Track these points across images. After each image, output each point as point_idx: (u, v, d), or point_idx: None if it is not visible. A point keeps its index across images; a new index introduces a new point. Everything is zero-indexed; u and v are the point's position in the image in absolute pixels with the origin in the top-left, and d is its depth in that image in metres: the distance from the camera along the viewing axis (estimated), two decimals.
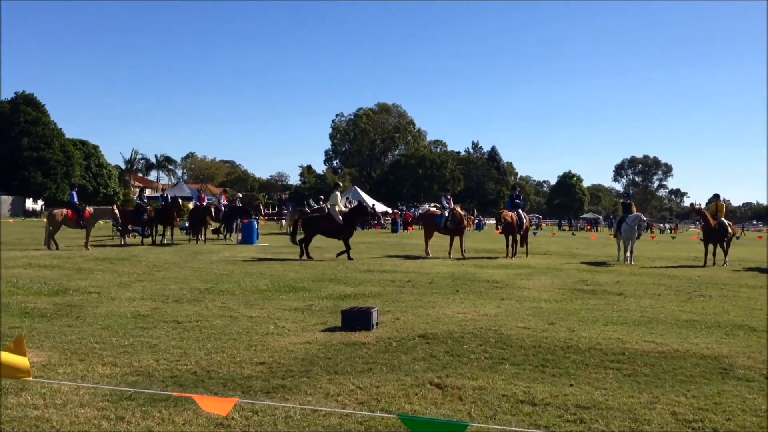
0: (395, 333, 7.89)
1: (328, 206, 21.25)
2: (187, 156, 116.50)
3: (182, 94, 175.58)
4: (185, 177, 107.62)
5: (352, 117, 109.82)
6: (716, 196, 22.29)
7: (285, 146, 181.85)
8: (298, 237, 20.02)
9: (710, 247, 20.70)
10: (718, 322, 9.21)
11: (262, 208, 37.01)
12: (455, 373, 6.02)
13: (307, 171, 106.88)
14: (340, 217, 19.74)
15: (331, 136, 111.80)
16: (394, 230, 44.31)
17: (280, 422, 4.64)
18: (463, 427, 2.82)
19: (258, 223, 28.70)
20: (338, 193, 21.62)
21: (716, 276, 16.54)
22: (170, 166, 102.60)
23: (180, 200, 28.54)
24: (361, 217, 20.46)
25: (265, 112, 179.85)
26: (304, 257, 18.66)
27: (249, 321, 8.58)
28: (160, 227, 25.69)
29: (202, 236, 26.31)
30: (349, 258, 18.44)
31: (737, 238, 23.19)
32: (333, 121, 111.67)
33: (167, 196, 28.44)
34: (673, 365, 6.51)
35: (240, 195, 35.67)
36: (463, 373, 6.06)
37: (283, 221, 41.75)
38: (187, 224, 28.82)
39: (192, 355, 6.61)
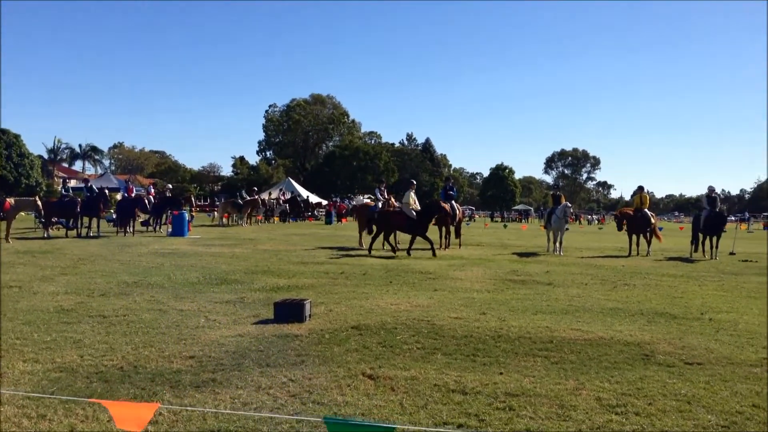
0: (328, 325, 7.87)
1: (401, 203, 20.52)
2: (115, 146, 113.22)
3: (110, 81, 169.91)
4: (113, 168, 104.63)
5: (285, 108, 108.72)
6: (640, 188, 23.11)
7: (217, 137, 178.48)
8: (363, 239, 19.75)
9: (634, 237, 21.42)
10: (641, 310, 9.54)
11: (193, 199, 36.29)
12: (388, 364, 6.05)
13: (240, 162, 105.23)
14: (413, 212, 19.16)
15: (265, 127, 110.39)
16: (328, 222, 44.12)
17: (210, 417, 4.56)
18: (390, 430, 2.81)
19: (190, 215, 28.17)
20: (412, 192, 20.17)
21: (640, 265, 17.10)
22: (96, 157, 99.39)
23: (107, 191, 27.69)
24: (435, 214, 19.37)
25: (196, 102, 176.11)
26: (385, 250, 18.79)
27: (179, 314, 8.41)
28: (85, 219, 24.89)
29: (131, 228, 25.62)
30: (434, 254, 18.07)
31: (660, 229, 23.99)
32: (266, 111, 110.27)
33: (92, 186, 27.49)
34: (599, 352, 6.71)
35: (170, 186, 34.90)
36: (395, 363, 6.09)
37: (215, 213, 41.05)
38: (114, 216, 28.02)
39: (118, 350, 6.43)
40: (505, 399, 5.07)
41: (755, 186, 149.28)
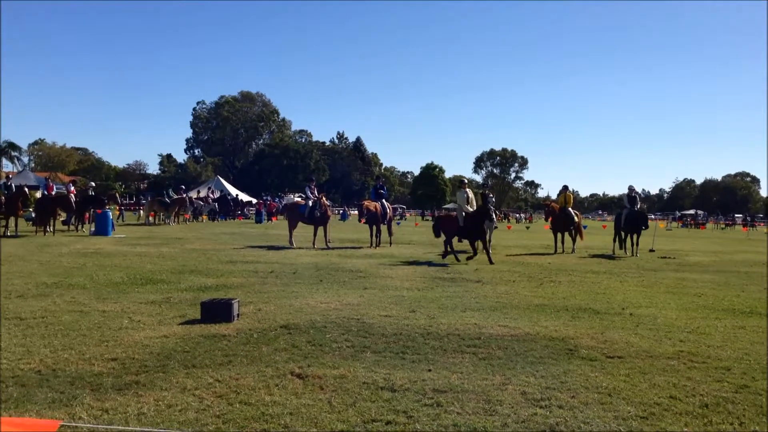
0: (257, 324, 7.77)
1: (456, 207, 18.86)
2: (35, 142, 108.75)
3: (29, 75, 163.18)
4: (32, 165, 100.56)
5: (214, 105, 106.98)
6: (565, 188, 23.74)
7: (143, 134, 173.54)
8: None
9: (559, 235, 22.00)
10: (565, 306, 9.78)
11: (118, 197, 35.25)
12: (317, 363, 6.01)
13: (167, 160, 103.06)
14: (463, 215, 17.69)
15: (193, 125, 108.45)
16: (258, 221, 43.61)
17: (132, 419, 4.43)
18: None
19: (118, 214, 27.34)
20: (466, 192, 18.40)
21: (565, 263, 17.56)
22: (14, 153, 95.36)
23: (26, 189, 26.59)
24: (487, 218, 17.12)
25: (121, 97, 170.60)
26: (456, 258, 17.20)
27: (101, 316, 8.15)
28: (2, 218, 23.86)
29: (51, 227, 24.69)
30: (491, 262, 16.60)
31: (584, 227, 24.68)
32: (194, 108, 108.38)
33: (11, 184, 26.38)
34: (525, 347, 6.84)
35: (93, 184, 33.76)
36: (324, 362, 6.06)
37: (141, 211, 40.02)
38: (33, 214, 26.96)
39: (36, 353, 6.18)
40: (433, 395, 5.10)
41: (674, 185, 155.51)
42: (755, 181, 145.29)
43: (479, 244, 17.34)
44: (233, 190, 64.61)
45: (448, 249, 17.66)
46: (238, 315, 8.07)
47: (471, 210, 17.75)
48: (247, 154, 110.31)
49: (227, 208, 47.51)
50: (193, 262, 14.90)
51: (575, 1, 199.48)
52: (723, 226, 75.78)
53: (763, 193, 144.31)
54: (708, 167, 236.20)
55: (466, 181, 19.34)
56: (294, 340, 6.93)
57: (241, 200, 56.93)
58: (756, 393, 5.34)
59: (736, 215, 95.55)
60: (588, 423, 4.58)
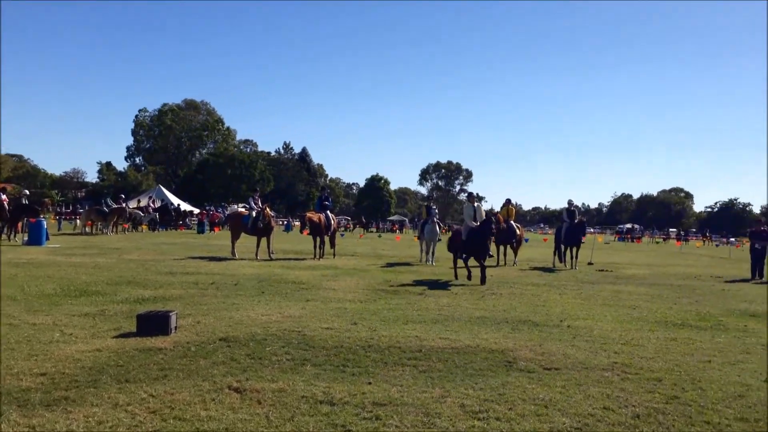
0: (195, 337, 7.63)
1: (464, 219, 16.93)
2: None
3: None
4: None
5: (157, 113, 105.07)
6: (508, 201, 24.14)
7: (82, 141, 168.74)
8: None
9: (501, 248, 22.31)
10: (506, 318, 9.90)
11: (48, 203, 34.15)
12: (255, 376, 5.93)
13: (107, 168, 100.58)
14: (467, 230, 16.09)
15: (134, 132, 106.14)
16: (200, 231, 42.91)
17: None
18: None
19: (56, 221, 26.51)
20: (475, 205, 16.84)
21: (507, 275, 17.79)
22: None
23: None
24: (491, 230, 15.68)
25: (59, 102, 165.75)
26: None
27: (31, 329, 7.87)
28: None
29: None
30: (483, 281, 15.06)
31: (525, 240, 25.09)
32: (136, 116, 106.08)
33: None
34: (465, 360, 6.89)
35: (27, 192, 32.67)
36: (263, 375, 5.98)
37: (78, 221, 38.93)
38: None
39: None
40: (372, 409, 5.09)
41: (612, 200, 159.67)
42: (689, 196, 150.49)
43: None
44: (175, 200, 63.40)
45: (460, 266, 16.25)
46: (175, 328, 7.90)
47: (475, 225, 16.04)
48: (191, 163, 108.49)
49: (168, 218, 46.61)
50: (130, 273, 14.55)
51: (516, 20, 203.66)
52: (658, 240, 78.08)
53: (696, 208, 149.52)
54: (645, 182, 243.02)
55: (475, 194, 18.01)
56: (233, 353, 6.83)
57: (183, 210, 55.93)
58: (685, 404, 5.50)
59: (671, 229, 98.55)
60: None
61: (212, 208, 63.85)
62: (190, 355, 6.73)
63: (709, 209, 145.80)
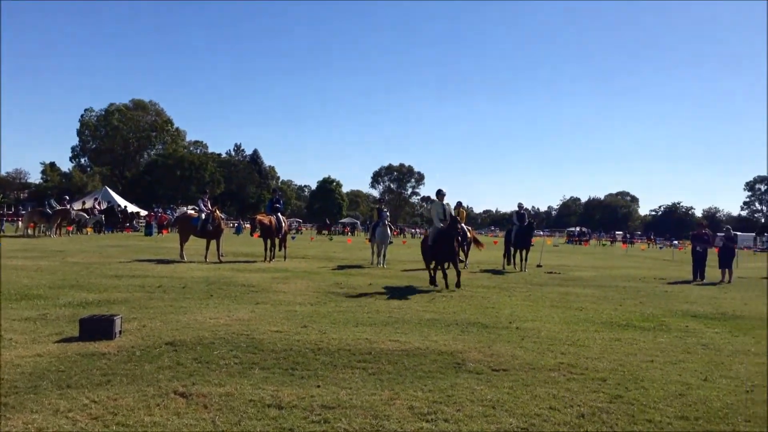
0: (140, 341, 7.47)
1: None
2: None
3: None
4: None
5: (104, 113, 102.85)
6: (459, 204, 24.26)
7: (24, 140, 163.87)
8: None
9: None
10: (455, 321, 9.97)
11: None
12: (202, 381, 5.84)
13: (50, 168, 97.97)
14: (435, 231, 15.34)
15: (79, 132, 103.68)
16: (148, 233, 42.11)
17: None
18: None
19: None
20: (444, 204, 15.69)
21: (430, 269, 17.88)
22: None
23: None
24: (457, 231, 14.92)
25: (1, 101, 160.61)
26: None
27: None
28: None
29: None
30: (457, 285, 14.67)
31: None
32: (81, 116, 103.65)
33: None
34: (414, 362, 6.91)
35: None
36: (210, 380, 5.89)
37: (20, 223, 37.80)
38: None
39: None
40: (320, 412, 5.06)
41: (561, 203, 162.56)
42: (635, 200, 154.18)
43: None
44: (122, 201, 62.17)
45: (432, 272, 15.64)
46: (120, 332, 7.73)
47: (443, 226, 15.14)
48: (138, 164, 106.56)
49: (115, 220, 45.63)
50: (74, 276, 14.18)
51: (462, 19, 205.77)
52: (605, 242, 79.74)
53: (641, 212, 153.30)
54: (592, 186, 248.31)
55: (444, 191, 15.96)
56: (179, 358, 6.71)
57: (131, 212, 54.83)
58: (628, 402, 5.62)
59: (617, 232, 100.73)
60: None
61: (160, 210, 62.73)
62: (135, 359, 6.59)
63: (653, 213, 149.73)
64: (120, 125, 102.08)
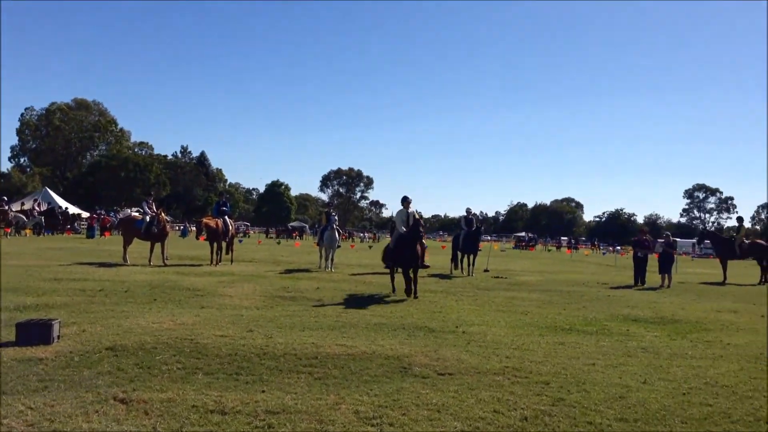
0: (79, 346, 7.28)
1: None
2: None
3: None
4: None
5: (44, 112, 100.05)
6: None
7: None
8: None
9: None
10: (402, 325, 9.99)
11: None
12: (143, 386, 5.72)
13: None
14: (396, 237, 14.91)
15: (19, 132, 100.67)
16: (90, 236, 41.10)
17: None
18: None
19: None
20: (409, 211, 15.23)
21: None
22: None
23: None
24: (419, 235, 14.29)
25: None
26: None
27: None
28: None
29: None
30: (415, 295, 13.99)
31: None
32: (21, 115, 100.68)
33: None
34: (361, 366, 6.90)
35: None
36: (152, 385, 5.77)
37: None
38: None
39: None
40: (265, 417, 5.01)
41: (508, 208, 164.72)
42: (579, 206, 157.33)
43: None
44: (63, 203, 60.45)
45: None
46: (58, 336, 7.52)
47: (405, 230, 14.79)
48: (81, 165, 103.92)
49: (55, 222, 44.39)
50: (11, 279, 13.70)
51: (404, 21, 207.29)
52: (551, 247, 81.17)
53: (586, 218, 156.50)
54: (539, 192, 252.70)
55: (410, 198, 15.46)
56: (120, 363, 6.56)
57: (72, 213, 53.39)
58: (570, 405, 5.71)
59: (562, 238, 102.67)
60: None
61: (103, 211, 61.25)
62: (74, 365, 6.41)
63: (597, 219, 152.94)
64: (62, 125, 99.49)
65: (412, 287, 14.07)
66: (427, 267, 16.02)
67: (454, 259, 23.25)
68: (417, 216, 14.75)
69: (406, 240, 14.39)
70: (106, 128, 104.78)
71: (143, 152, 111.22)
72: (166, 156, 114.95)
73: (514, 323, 10.81)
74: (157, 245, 20.42)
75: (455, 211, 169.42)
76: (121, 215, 48.20)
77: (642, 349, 8.77)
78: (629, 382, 6.69)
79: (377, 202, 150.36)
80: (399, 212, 15.46)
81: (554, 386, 6.37)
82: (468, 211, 24.23)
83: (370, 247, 51.15)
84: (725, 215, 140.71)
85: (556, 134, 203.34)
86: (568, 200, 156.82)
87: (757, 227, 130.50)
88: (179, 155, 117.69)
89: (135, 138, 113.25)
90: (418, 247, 14.28)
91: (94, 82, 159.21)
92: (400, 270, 14.87)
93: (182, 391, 5.59)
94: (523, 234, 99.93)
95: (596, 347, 8.80)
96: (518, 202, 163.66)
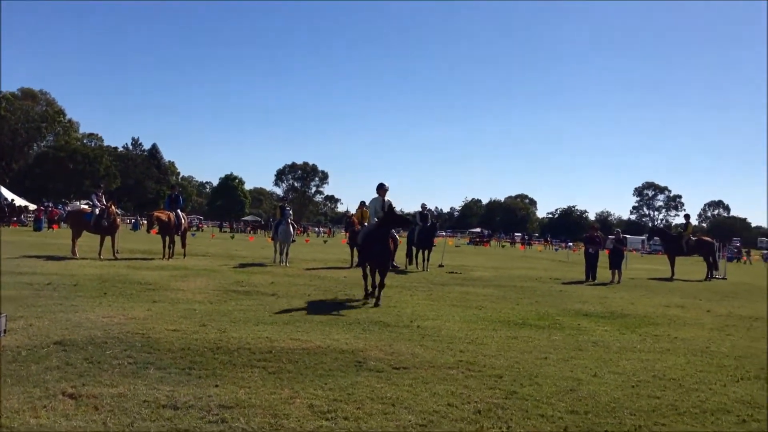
0: (26, 341, 7.09)
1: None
2: None
3: None
4: None
5: None
6: (362, 203, 24.31)
7: None
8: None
9: (356, 250, 22.52)
10: (357, 319, 10.00)
11: None
12: (93, 381, 5.61)
13: None
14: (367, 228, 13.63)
15: None
16: (37, 228, 40.10)
17: None
18: None
19: None
20: (384, 199, 13.92)
21: (360, 277, 17.87)
22: None
23: None
24: (389, 231, 12.85)
25: None
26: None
27: None
28: None
29: None
30: (376, 303, 12.12)
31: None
32: None
33: None
34: (315, 360, 6.88)
35: None
36: (102, 380, 5.66)
37: None
38: None
39: None
40: (218, 411, 4.96)
41: (463, 204, 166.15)
42: (533, 203, 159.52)
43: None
44: (9, 195, 58.80)
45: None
46: (4, 331, 7.31)
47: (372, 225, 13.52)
48: (27, 156, 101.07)
49: (0, 214, 43.15)
50: None
51: (363, 17, 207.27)
52: (504, 243, 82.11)
53: (539, 214, 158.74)
54: (493, 188, 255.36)
55: (387, 186, 14.07)
56: (69, 358, 6.41)
57: (18, 206, 52.00)
58: (523, 398, 5.80)
59: (516, 234, 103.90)
60: None
61: (51, 204, 59.78)
62: (21, 359, 6.25)
63: (550, 215, 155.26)
64: (7, 115, 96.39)
65: (377, 292, 12.40)
66: (396, 267, 14.82)
67: (409, 254, 23.35)
68: (357, 212, 13.68)
69: (375, 236, 12.74)
70: (54, 119, 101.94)
71: (92, 144, 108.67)
72: (116, 148, 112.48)
73: (469, 318, 10.90)
74: (108, 238, 20.01)
75: (410, 206, 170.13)
76: (69, 208, 47.11)
77: (593, 343, 8.94)
78: (580, 376, 6.82)
79: (332, 197, 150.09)
80: (373, 200, 14.07)
81: (507, 380, 6.45)
82: (423, 206, 24.37)
83: (325, 241, 51.05)
84: (673, 213, 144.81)
85: (511, 132, 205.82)
86: (522, 197, 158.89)
87: (704, 225, 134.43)
88: (130, 147, 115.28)
89: (84, 129, 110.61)
90: (390, 243, 12.80)
91: (41, 72, 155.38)
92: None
93: (133, 386, 5.50)
94: (478, 230, 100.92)
95: (548, 341, 8.94)
96: (473, 198, 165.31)
